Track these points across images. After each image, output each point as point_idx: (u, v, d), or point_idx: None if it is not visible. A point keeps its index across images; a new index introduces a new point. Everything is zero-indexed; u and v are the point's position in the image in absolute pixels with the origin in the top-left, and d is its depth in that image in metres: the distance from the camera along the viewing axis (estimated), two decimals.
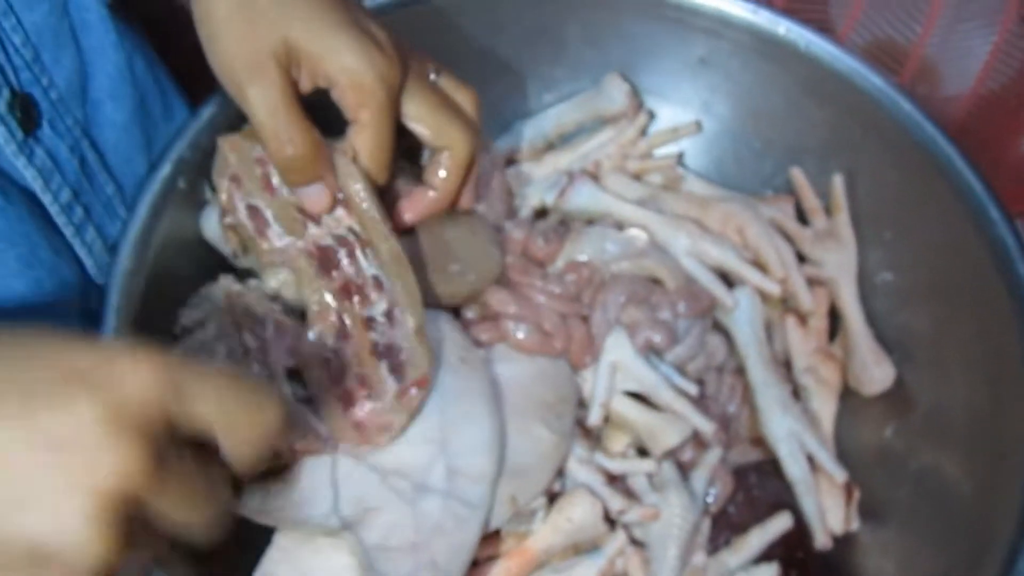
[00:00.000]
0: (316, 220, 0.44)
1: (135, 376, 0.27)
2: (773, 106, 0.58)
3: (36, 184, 0.45)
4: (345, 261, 0.44)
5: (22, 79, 0.44)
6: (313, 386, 0.44)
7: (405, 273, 0.43)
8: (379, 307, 0.44)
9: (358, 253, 0.44)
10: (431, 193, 0.45)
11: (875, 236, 0.57)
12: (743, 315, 0.54)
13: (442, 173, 0.44)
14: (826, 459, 0.52)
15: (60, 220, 0.46)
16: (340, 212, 0.43)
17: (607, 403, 0.50)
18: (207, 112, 0.49)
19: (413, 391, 0.44)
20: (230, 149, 0.45)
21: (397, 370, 0.44)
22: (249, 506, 0.46)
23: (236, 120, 0.50)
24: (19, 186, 0.44)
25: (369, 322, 0.44)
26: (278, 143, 0.40)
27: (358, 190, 0.42)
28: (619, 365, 0.50)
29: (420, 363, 0.44)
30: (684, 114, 0.61)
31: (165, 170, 0.48)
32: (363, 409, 0.44)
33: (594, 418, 0.50)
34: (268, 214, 0.44)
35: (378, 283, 0.44)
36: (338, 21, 0.39)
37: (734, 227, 0.56)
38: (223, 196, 0.45)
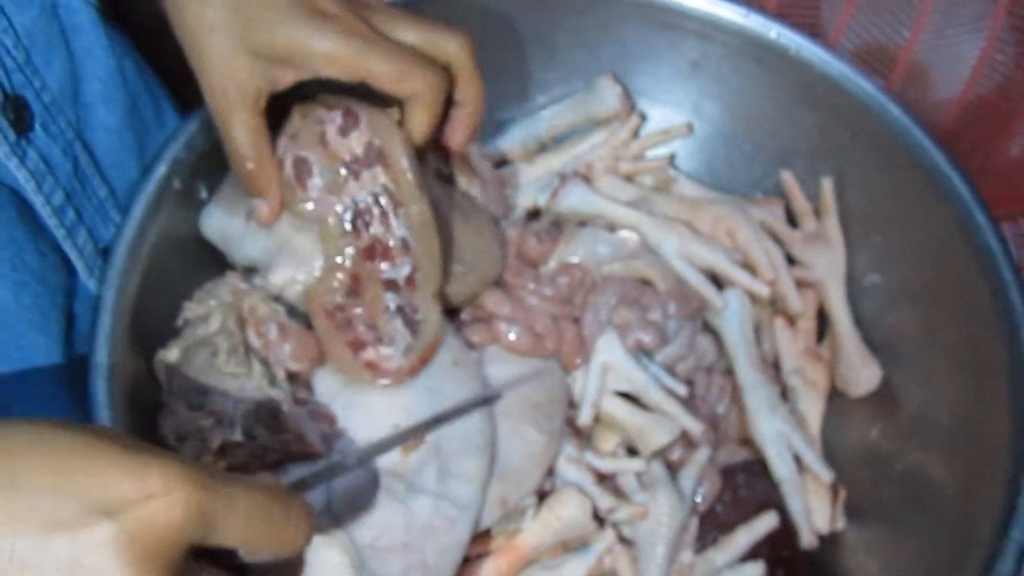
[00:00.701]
0: (356, 175, 0.45)
1: (163, 506, 0.26)
2: (764, 109, 0.59)
3: (28, 186, 0.45)
4: (376, 220, 0.45)
5: (14, 81, 0.44)
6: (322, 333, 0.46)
7: (432, 238, 0.45)
8: (403, 270, 0.45)
9: (390, 214, 0.45)
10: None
11: (863, 239, 0.57)
12: (732, 316, 0.55)
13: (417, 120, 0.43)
14: (813, 460, 0.52)
15: (51, 222, 0.46)
16: (378, 169, 0.45)
17: (597, 403, 0.51)
18: (202, 114, 0.50)
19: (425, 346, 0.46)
20: (300, 115, 0.46)
21: (411, 326, 0.45)
22: None
23: None
24: (8, 189, 0.45)
25: (389, 284, 0.45)
26: (240, 160, 0.43)
27: (398, 152, 0.44)
28: (610, 366, 0.51)
29: (434, 326, 0.46)
30: (675, 116, 0.61)
31: (160, 170, 0.49)
32: (376, 352, 0.45)
33: (584, 418, 0.51)
34: (315, 167, 0.45)
35: (406, 246, 0.45)
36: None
37: (724, 229, 0.56)
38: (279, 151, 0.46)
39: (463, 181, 0.52)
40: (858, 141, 0.56)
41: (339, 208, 0.45)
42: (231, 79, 0.40)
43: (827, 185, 0.58)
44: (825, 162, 0.58)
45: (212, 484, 0.27)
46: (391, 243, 0.45)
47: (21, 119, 0.44)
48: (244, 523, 0.28)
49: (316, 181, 0.45)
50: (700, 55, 0.59)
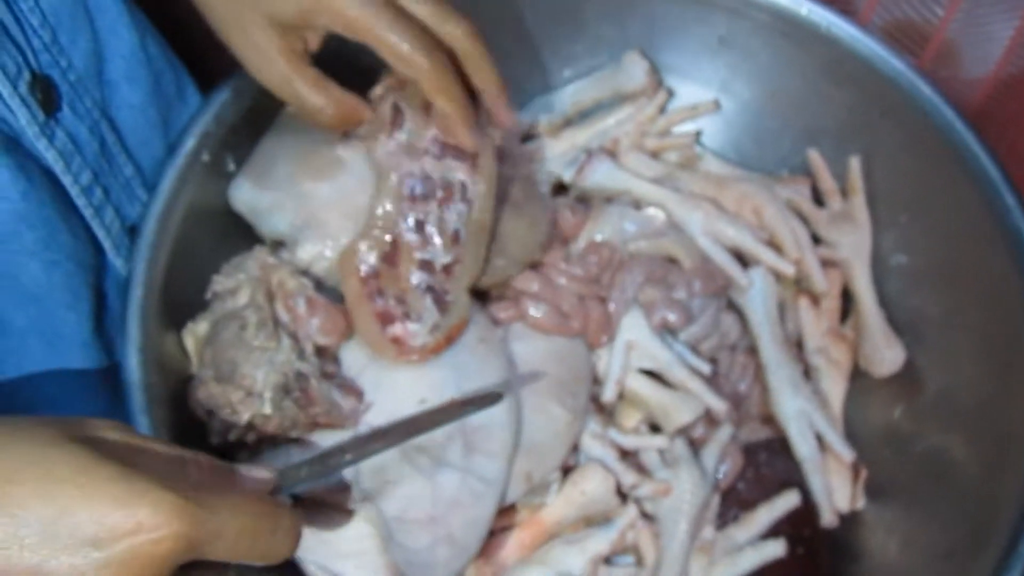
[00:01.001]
0: (439, 156, 0.45)
1: (152, 540, 0.27)
2: (792, 86, 0.58)
3: (57, 166, 0.45)
4: (436, 203, 0.46)
5: (41, 61, 0.44)
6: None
7: (482, 243, 0.47)
8: (444, 258, 0.46)
9: (452, 205, 0.46)
10: None
11: (891, 219, 0.57)
12: (757, 295, 0.55)
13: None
14: (835, 439, 0.53)
15: (80, 202, 0.47)
16: (462, 164, 0.46)
17: (621, 380, 0.51)
18: (230, 86, 0.50)
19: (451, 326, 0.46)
20: None
21: (440, 305, 0.46)
22: None
23: (259, 95, 0.51)
24: (41, 168, 0.45)
25: (425, 264, 0.46)
26: (319, 113, 0.44)
27: (488, 163, 0.46)
28: (634, 344, 0.51)
29: (463, 307, 0.47)
30: (703, 93, 0.60)
31: (189, 143, 0.49)
32: (403, 327, 0.45)
33: (608, 395, 0.51)
34: (407, 123, 0.46)
35: (456, 238, 0.46)
36: None
37: (750, 207, 0.56)
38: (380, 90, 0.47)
39: (526, 160, 0.52)
40: (887, 120, 0.55)
41: (408, 171, 0.46)
42: (268, 55, 0.42)
43: (855, 164, 0.57)
44: (853, 140, 0.58)
45: (200, 516, 0.28)
46: (442, 229, 0.46)
47: (49, 99, 0.44)
48: (231, 544, 0.29)
49: (401, 135, 0.46)
50: (729, 30, 0.58)
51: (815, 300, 0.57)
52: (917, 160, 0.55)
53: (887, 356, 0.54)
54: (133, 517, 0.27)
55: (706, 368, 0.52)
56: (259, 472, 0.35)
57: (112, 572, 0.27)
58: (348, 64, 0.48)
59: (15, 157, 0.43)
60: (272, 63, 0.42)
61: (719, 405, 0.51)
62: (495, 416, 0.46)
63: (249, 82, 0.50)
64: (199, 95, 0.57)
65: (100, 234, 0.49)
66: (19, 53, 0.42)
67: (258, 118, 0.51)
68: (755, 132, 0.61)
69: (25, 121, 0.43)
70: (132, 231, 0.50)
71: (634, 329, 0.51)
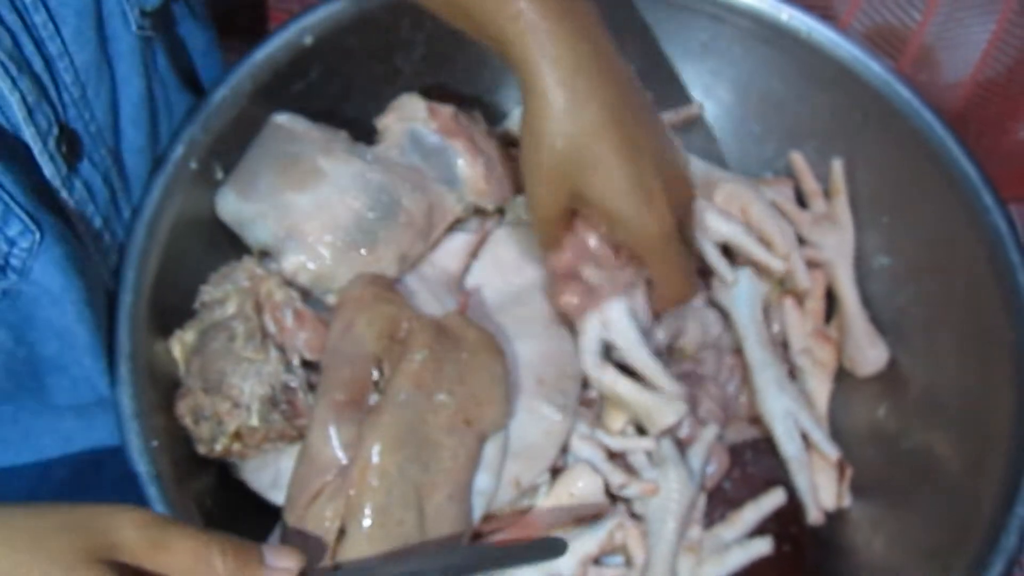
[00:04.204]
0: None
1: (115, 523, 0.30)
2: (774, 91, 0.59)
3: (73, 216, 0.45)
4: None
5: (69, 115, 0.44)
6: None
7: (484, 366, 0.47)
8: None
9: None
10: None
11: (873, 220, 0.58)
12: (742, 295, 0.55)
13: None
14: (821, 438, 0.53)
15: (91, 247, 0.47)
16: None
17: (597, 355, 0.51)
18: (218, 95, 0.50)
19: None
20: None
21: None
22: (261, 482, 0.48)
23: (246, 104, 0.52)
24: (58, 217, 0.44)
25: None
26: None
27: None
28: (608, 322, 0.51)
29: None
30: (686, 98, 0.61)
31: (178, 151, 0.49)
32: None
33: (587, 366, 0.51)
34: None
35: None
36: (626, 177, 0.45)
37: (738, 206, 0.57)
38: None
39: None
40: (869, 123, 0.56)
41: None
42: (551, 202, 0.47)
43: (837, 166, 0.58)
44: (835, 144, 0.58)
45: (164, 519, 0.31)
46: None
47: (73, 152, 0.44)
48: (187, 559, 0.32)
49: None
50: (711, 36, 0.59)
51: (799, 300, 0.57)
52: (898, 163, 0.56)
53: (870, 356, 0.55)
54: (100, 514, 0.28)
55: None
56: (285, 560, 0.35)
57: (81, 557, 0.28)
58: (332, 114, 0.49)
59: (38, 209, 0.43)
60: None
61: (676, 389, 0.51)
62: None
63: (237, 90, 0.51)
64: None
65: (105, 275, 0.49)
66: (51, 109, 0.42)
67: (246, 126, 0.52)
68: (738, 136, 0.62)
69: (49, 174, 0.43)
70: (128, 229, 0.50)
71: (612, 309, 0.51)
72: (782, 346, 0.57)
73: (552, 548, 0.43)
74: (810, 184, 0.59)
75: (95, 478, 0.50)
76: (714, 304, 0.56)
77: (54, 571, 0.28)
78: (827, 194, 0.59)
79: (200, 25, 0.57)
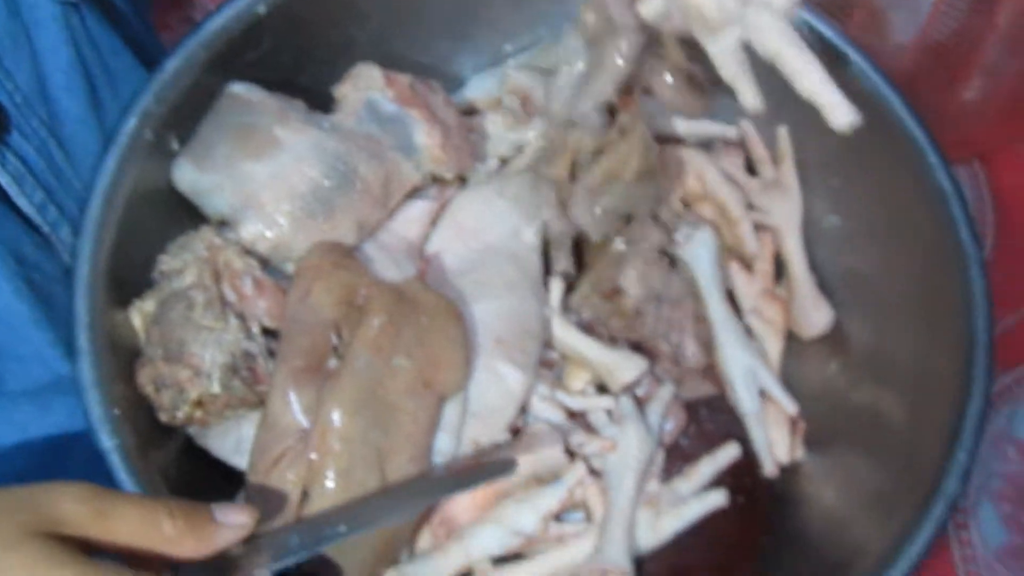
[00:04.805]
0: None
1: (57, 498, 0.30)
2: None
3: (11, 189, 0.45)
4: None
5: None
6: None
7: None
8: None
9: None
10: None
11: (823, 182, 0.59)
12: (703, 252, 0.56)
13: None
14: (780, 394, 0.55)
15: (37, 220, 0.47)
16: None
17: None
18: (171, 65, 0.50)
19: None
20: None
21: None
22: (224, 448, 0.48)
23: (200, 75, 0.51)
24: None
25: None
26: None
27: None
28: None
29: None
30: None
31: (131, 122, 0.49)
32: None
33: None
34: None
35: None
36: None
37: (693, 173, 0.58)
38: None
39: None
40: None
41: None
42: None
43: (783, 133, 0.59)
44: (786, 107, 0.59)
45: (107, 491, 0.31)
46: None
47: (0, 125, 0.44)
48: (134, 526, 0.32)
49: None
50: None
51: (747, 264, 0.59)
52: None
53: (815, 318, 0.57)
54: (45, 491, 0.29)
55: None
56: (236, 516, 0.35)
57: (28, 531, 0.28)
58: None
59: None
60: None
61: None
62: None
63: (190, 60, 0.51)
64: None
65: (59, 247, 0.49)
66: None
67: (201, 96, 0.52)
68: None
69: None
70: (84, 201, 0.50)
71: None
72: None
73: (502, 467, 0.44)
74: (759, 151, 0.60)
75: (55, 467, 0.51)
76: (668, 256, 0.57)
77: None
78: (775, 161, 0.60)
79: None
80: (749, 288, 0.58)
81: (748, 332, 0.58)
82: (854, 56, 0.55)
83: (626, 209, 0.54)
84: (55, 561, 0.29)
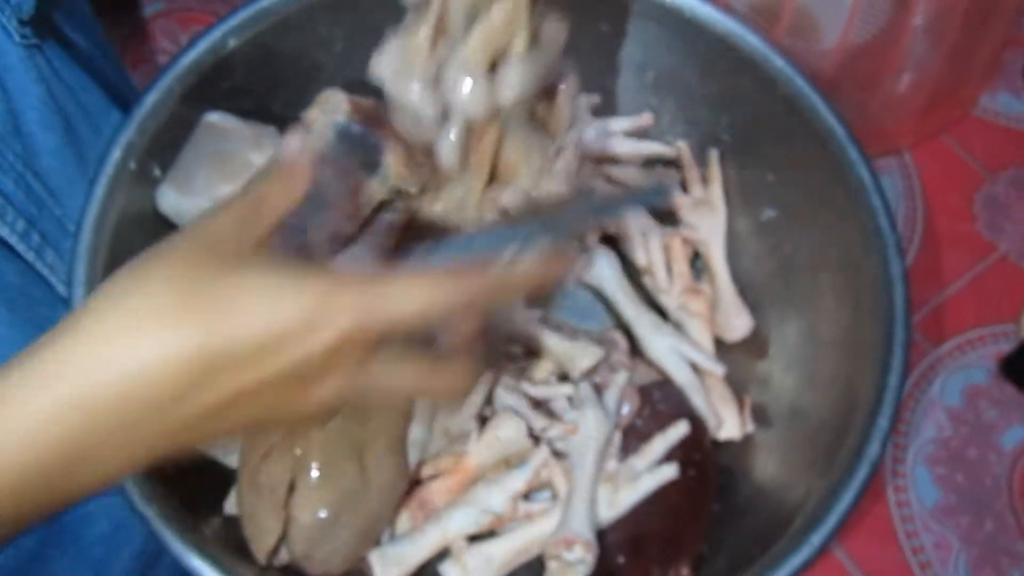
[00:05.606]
0: None
1: (337, 324, 0.32)
2: (667, 66, 0.65)
3: None
4: None
5: None
6: None
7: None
8: None
9: None
10: None
11: (760, 177, 0.64)
12: (605, 270, 0.62)
13: None
14: (703, 359, 0.60)
15: (20, 248, 0.49)
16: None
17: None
18: (150, 99, 0.54)
19: None
20: None
21: None
22: (215, 449, 0.53)
23: (176, 107, 0.56)
24: None
25: None
26: None
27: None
28: None
29: None
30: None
31: (116, 154, 0.53)
32: None
33: None
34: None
35: None
36: None
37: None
38: None
39: None
40: (753, 90, 0.62)
41: None
42: None
43: (714, 157, 0.65)
44: (725, 110, 0.64)
45: (373, 290, 0.33)
46: None
47: None
48: (417, 310, 0.33)
49: None
50: (611, 23, 0.64)
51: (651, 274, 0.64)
52: (778, 124, 0.62)
53: (736, 324, 0.62)
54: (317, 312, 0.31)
55: None
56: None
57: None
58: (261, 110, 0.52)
59: None
60: None
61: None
62: None
63: (166, 94, 0.55)
64: (117, 116, 0.59)
65: (45, 272, 0.52)
66: None
67: (179, 126, 0.56)
68: (638, 109, 0.67)
69: None
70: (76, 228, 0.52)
71: None
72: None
73: (657, 191, 0.45)
74: (692, 172, 0.66)
75: None
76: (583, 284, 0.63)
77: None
78: (704, 180, 0.65)
79: (85, 24, 0.59)
80: (671, 289, 0.63)
81: (677, 327, 0.63)
82: (780, 62, 0.60)
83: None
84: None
